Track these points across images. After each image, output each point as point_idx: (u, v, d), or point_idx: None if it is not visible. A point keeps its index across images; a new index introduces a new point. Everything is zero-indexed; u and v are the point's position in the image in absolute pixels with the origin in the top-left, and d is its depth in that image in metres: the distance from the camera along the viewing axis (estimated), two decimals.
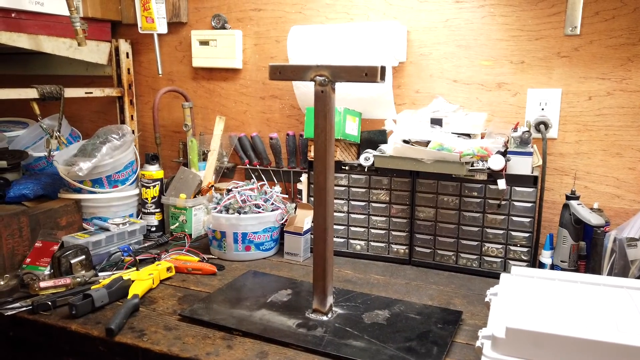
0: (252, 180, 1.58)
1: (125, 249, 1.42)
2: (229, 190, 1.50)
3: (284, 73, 1.06)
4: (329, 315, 1.09)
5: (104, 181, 1.54)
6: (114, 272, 1.29)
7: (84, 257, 1.27)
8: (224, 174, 1.79)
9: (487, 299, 0.97)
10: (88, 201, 1.53)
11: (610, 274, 1.24)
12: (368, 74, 0.97)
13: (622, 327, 0.76)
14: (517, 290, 0.91)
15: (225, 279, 1.31)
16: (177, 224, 1.61)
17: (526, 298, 0.88)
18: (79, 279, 1.21)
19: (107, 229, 1.44)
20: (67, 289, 1.19)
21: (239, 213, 1.44)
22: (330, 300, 1.10)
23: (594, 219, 1.22)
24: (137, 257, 1.38)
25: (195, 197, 1.63)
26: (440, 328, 1.04)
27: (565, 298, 0.87)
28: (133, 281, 1.19)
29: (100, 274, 1.29)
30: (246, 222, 1.43)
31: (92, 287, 1.16)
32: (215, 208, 1.47)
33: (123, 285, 1.17)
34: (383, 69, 0.97)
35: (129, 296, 1.14)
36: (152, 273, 1.25)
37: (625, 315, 0.81)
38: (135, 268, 1.31)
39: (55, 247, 1.29)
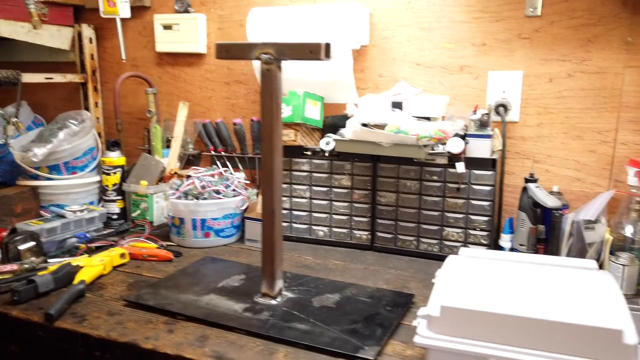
0: (213, 166, 1.56)
1: (81, 236, 1.40)
2: (188, 177, 1.48)
3: (231, 51, 1.03)
4: (278, 299, 1.07)
5: (61, 167, 1.51)
6: (65, 259, 1.26)
7: (34, 243, 1.24)
8: (189, 162, 1.76)
9: (433, 280, 0.96)
10: (45, 188, 1.50)
11: (568, 256, 1.23)
12: (312, 52, 0.95)
13: (556, 305, 0.75)
14: (461, 270, 0.89)
15: (181, 266, 1.29)
16: (138, 211, 1.59)
17: (467, 278, 0.86)
18: (26, 265, 1.18)
19: (63, 216, 1.41)
20: (15, 275, 1.16)
21: (197, 199, 1.41)
22: (279, 284, 1.08)
23: (550, 201, 1.21)
24: (94, 245, 1.36)
25: (157, 184, 1.60)
26: (389, 311, 1.02)
27: (506, 277, 0.86)
28: (82, 267, 1.17)
29: (50, 260, 1.26)
30: (205, 208, 1.41)
31: (38, 273, 1.13)
32: (174, 194, 1.44)
33: (70, 272, 1.14)
34: (328, 46, 0.95)
35: (75, 282, 1.11)
36: (103, 259, 1.22)
37: (562, 293, 0.79)
38: (88, 255, 1.29)
39: (4, 234, 1.26)
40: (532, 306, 0.74)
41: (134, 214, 1.60)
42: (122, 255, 1.28)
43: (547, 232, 1.27)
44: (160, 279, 1.19)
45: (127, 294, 1.11)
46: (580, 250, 1.22)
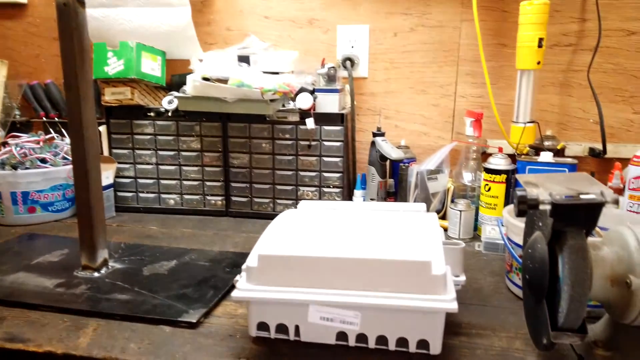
0: (39, 132, 1.36)
1: None
2: (4, 144, 1.27)
3: None
4: (102, 271, 0.94)
5: None
6: None
7: None
8: (17, 130, 1.52)
9: None
10: None
11: None
12: None
13: (374, 244, 0.73)
14: (290, 222, 0.85)
15: None
16: None
17: (294, 228, 0.82)
18: None
19: None
20: None
21: (16, 169, 1.22)
22: (103, 254, 0.95)
23: (394, 154, 1.22)
24: None
25: None
26: (228, 272, 0.95)
27: (334, 225, 0.82)
28: None
29: None
30: (27, 179, 1.22)
31: None
32: None
33: None
34: None
35: None
36: None
37: (385, 234, 0.78)
38: None
39: None
40: (350, 248, 0.71)
41: None
42: None
43: (395, 185, 1.29)
44: None
45: None
46: (425, 200, 1.25)
